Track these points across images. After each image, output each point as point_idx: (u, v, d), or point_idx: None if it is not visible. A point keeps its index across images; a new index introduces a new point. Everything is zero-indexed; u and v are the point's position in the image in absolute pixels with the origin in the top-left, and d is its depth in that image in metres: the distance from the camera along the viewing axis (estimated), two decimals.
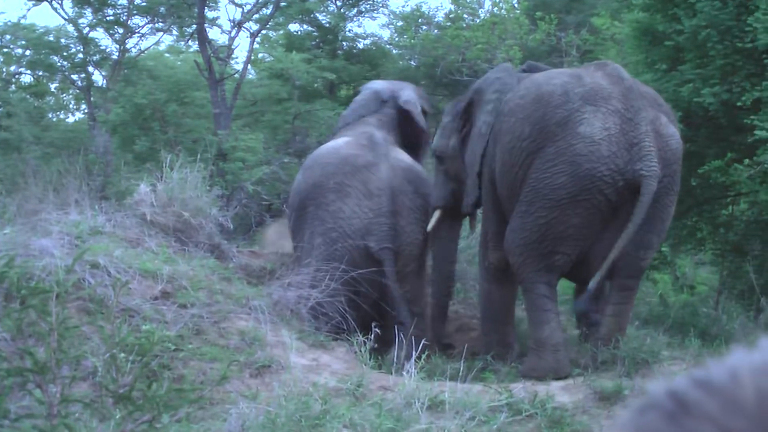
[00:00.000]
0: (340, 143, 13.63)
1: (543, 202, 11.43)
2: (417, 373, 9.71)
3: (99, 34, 28.00)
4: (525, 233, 11.63)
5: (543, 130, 11.50)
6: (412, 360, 9.95)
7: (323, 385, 9.28)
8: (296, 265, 12.67)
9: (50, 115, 33.01)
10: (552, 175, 11.32)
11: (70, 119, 33.87)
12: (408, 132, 14.70)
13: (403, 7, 31.45)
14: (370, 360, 10.50)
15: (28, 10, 32.67)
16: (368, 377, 10.02)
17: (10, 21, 27.58)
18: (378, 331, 11.08)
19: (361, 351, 10.47)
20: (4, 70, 30.18)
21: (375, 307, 12.62)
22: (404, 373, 9.79)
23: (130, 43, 27.48)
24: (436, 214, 13.34)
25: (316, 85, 26.59)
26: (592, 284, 10.94)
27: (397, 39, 28.82)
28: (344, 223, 12.56)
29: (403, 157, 13.56)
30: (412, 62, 27.39)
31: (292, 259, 13.19)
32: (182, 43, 29.17)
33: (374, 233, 12.54)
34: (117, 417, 6.51)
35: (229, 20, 24.09)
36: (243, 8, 24.18)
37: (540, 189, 11.44)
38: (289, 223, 13.94)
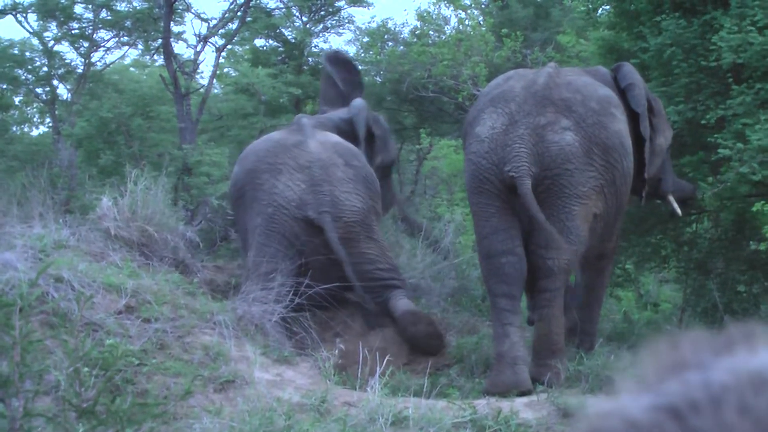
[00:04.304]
0: (271, 133, 14.36)
1: (469, 200, 12.09)
2: (381, 388, 9.71)
3: (64, 48, 27.92)
4: (476, 237, 12.00)
5: (465, 131, 12.23)
6: (377, 375, 9.93)
7: (287, 401, 9.26)
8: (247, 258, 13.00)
9: (14, 129, 32.75)
10: (466, 172, 11.97)
11: (35, 133, 33.65)
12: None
13: (369, 23, 31.42)
14: (334, 375, 10.50)
15: None
16: (332, 393, 10.00)
17: None
18: (342, 347, 11.09)
19: (325, 366, 10.47)
20: None
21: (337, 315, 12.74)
22: (368, 388, 9.78)
23: (96, 56, 27.34)
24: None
25: (281, 100, 26.51)
26: None
27: (362, 55, 28.82)
28: (278, 197, 12.85)
29: (331, 136, 13.99)
30: (378, 78, 27.35)
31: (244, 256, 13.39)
32: (148, 57, 29.07)
33: (310, 203, 12.79)
34: (80, 431, 6.47)
35: (195, 35, 24.10)
36: (209, 23, 24.14)
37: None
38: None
